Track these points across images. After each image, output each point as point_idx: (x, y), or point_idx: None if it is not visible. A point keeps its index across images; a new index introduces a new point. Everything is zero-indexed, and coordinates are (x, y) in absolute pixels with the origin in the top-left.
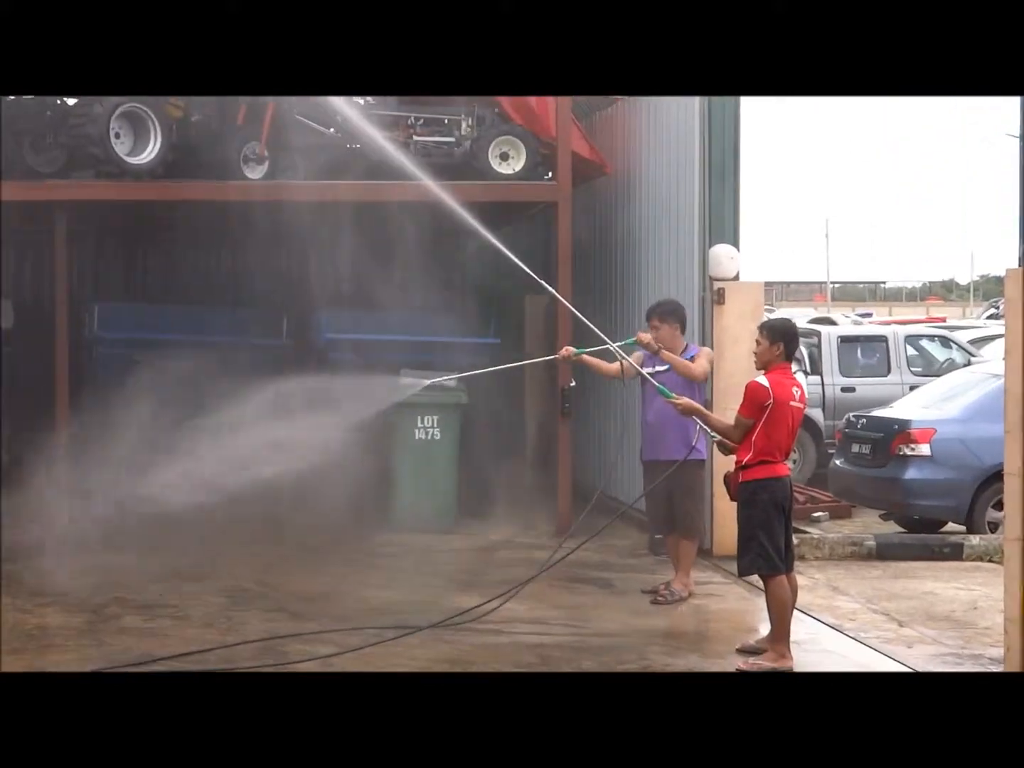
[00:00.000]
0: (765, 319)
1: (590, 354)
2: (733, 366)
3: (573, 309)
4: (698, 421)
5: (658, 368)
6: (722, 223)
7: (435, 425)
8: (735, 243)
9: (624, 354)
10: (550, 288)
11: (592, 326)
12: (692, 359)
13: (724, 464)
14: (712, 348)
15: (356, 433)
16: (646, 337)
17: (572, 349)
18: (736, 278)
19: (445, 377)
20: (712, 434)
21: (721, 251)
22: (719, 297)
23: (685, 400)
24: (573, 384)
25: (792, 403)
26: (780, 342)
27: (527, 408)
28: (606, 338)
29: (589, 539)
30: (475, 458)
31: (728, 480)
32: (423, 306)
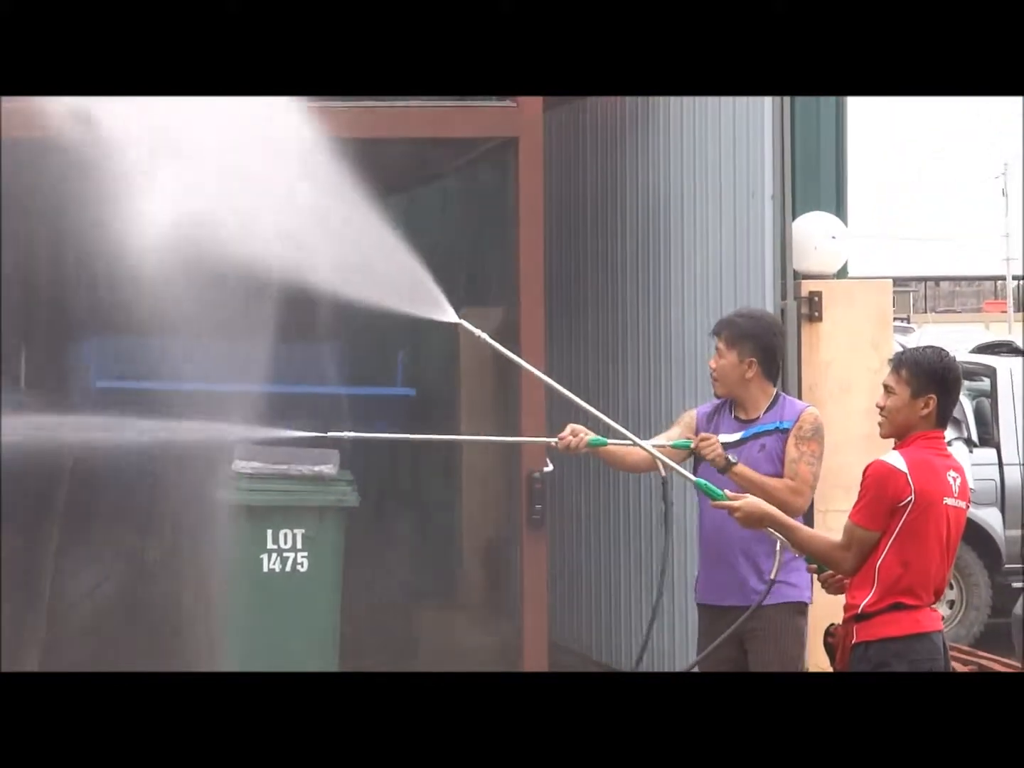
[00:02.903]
0: (898, 349)
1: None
2: (840, 433)
3: (545, 377)
4: (775, 534)
5: (723, 437)
6: (817, 178)
7: (299, 545)
8: (840, 214)
9: (661, 455)
10: (483, 336)
11: (596, 411)
12: (786, 437)
13: (825, 609)
14: (800, 398)
15: (150, 561)
16: (711, 448)
17: (585, 432)
18: (843, 273)
19: (337, 434)
20: (799, 556)
21: (814, 227)
22: (812, 308)
23: (750, 500)
24: (549, 469)
25: (948, 501)
26: (928, 392)
27: (464, 513)
28: (631, 436)
29: None
30: (369, 606)
31: (833, 640)
32: (274, 335)
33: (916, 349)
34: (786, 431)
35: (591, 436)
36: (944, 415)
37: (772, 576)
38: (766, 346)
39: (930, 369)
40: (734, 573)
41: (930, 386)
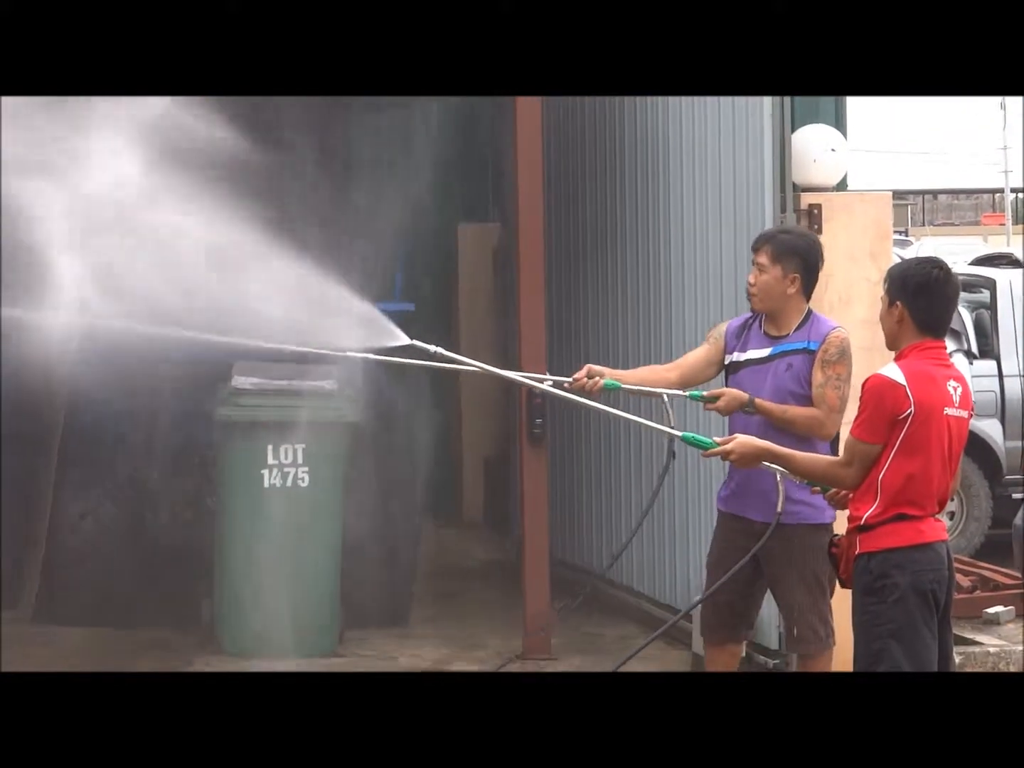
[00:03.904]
0: (895, 262)
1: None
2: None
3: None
4: (773, 467)
5: (751, 353)
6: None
7: (300, 461)
8: (840, 127)
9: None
10: (438, 350)
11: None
12: (813, 358)
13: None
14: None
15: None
16: (725, 406)
17: (595, 370)
18: (842, 186)
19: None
20: (802, 482)
21: (813, 140)
22: (811, 221)
23: (741, 441)
24: (547, 384)
25: (949, 411)
26: (899, 300)
27: (465, 430)
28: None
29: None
30: (372, 521)
31: (837, 551)
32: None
33: (906, 261)
34: (813, 352)
35: (606, 379)
36: (923, 322)
37: (779, 510)
38: (810, 263)
39: (898, 277)
40: (763, 489)
41: (897, 293)
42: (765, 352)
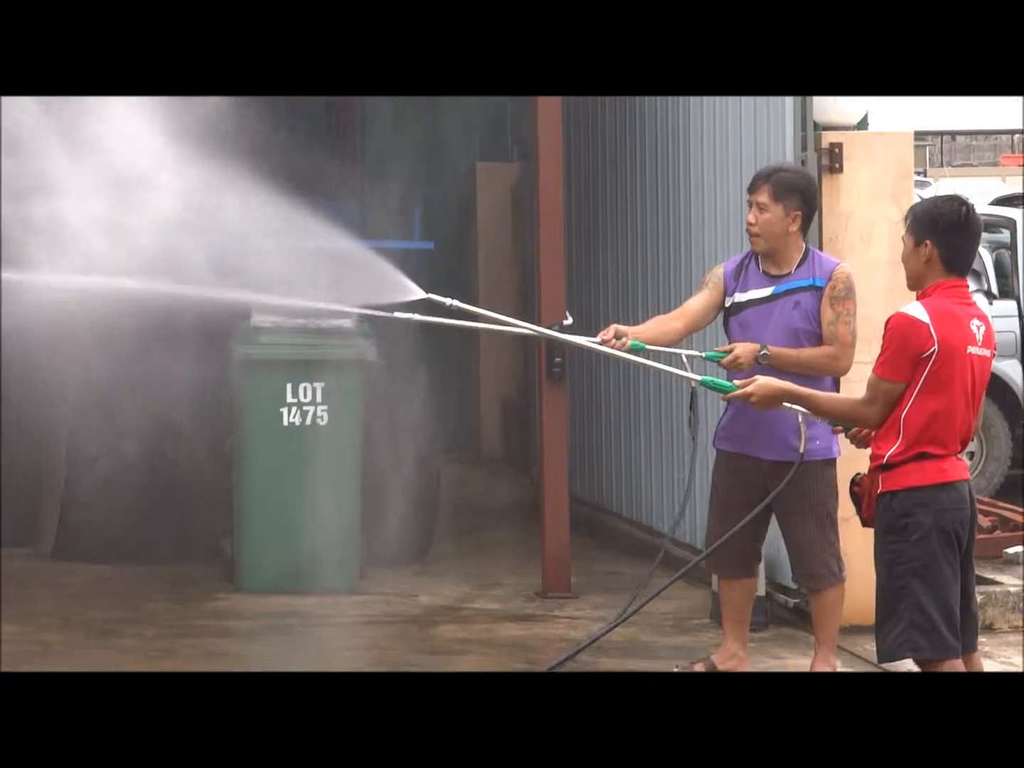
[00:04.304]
0: (916, 200)
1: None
2: (860, 285)
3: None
4: (795, 408)
5: (752, 293)
6: None
7: (319, 399)
8: None
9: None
10: (454, 304)
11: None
12: (821, 295)
13: (849, 460)
14: (821, 249)
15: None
16: (739, 362)
17: (621, 331)
18: (863, 125)
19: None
20: (823, 421)
21: None
22: (832, 160)
23: (760, 382)
24: (568, 322)
25: (972, 349)
26: (928, 239)
27: (483, 370)
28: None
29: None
30: (391, 460)
31: (859, 489)
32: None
33: (927, 200)
34: (820, 289)
35: (632, 340)
36: (951, 261)
37: (802, 451)
38: (810, 200)
39: (924, 216)
40: (774, 428)
41: (925, 232)
42: (767, 291)
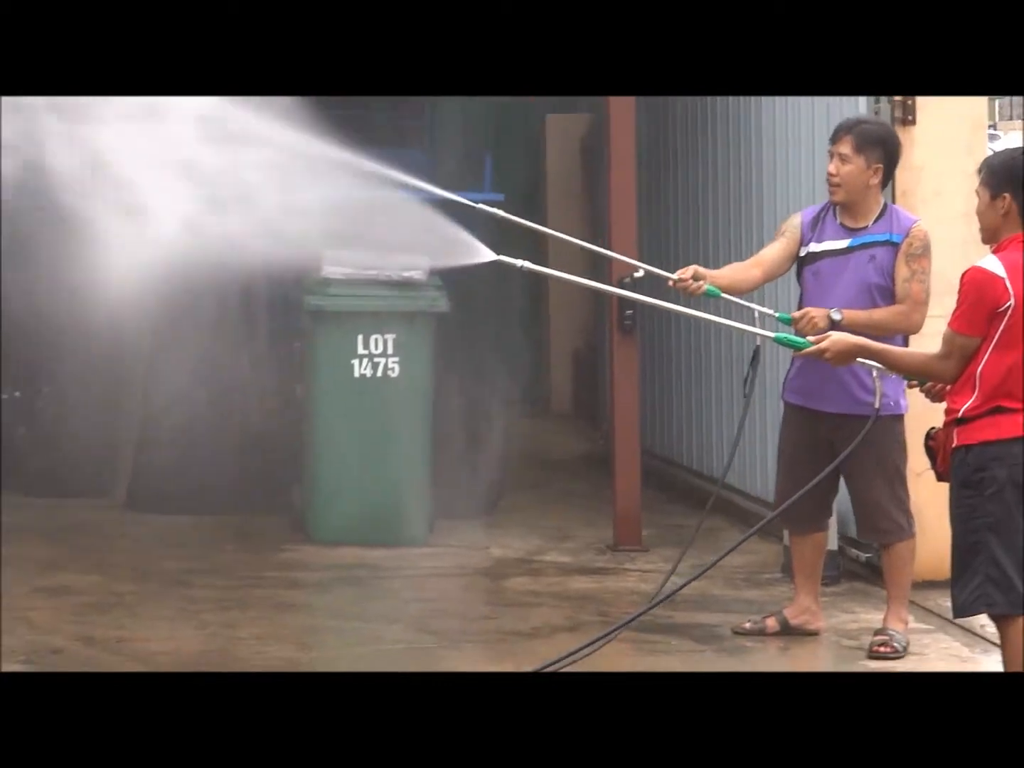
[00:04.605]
0: (988, 153)
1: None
2: (933, 238)
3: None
4: (869, 364)
5: (828, 244)
6: None
7: (390, 351)
8: None
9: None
10: (525, 265)
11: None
12: (897, 251)
13: (923, 414)
14: (894, 202)
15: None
16: (811, 324)
17: (700, 273)
18: None
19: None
20: (897, 376)
21: None
22: (905, 113)
23: (835, 338)
24: (639, 274)
25: None
26: (1008, 192)
27: (553, 323)
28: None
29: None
30: (461, 412)
31: (935, 444)
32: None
33: (1000, 152)
34: (896, 245)
35: (708, 286)
36: None
37: (877, 405)
38: (891, 153)
39: (1001, 168)
40: (839, 381)
41: (1003, 185)
42: (844, 243)
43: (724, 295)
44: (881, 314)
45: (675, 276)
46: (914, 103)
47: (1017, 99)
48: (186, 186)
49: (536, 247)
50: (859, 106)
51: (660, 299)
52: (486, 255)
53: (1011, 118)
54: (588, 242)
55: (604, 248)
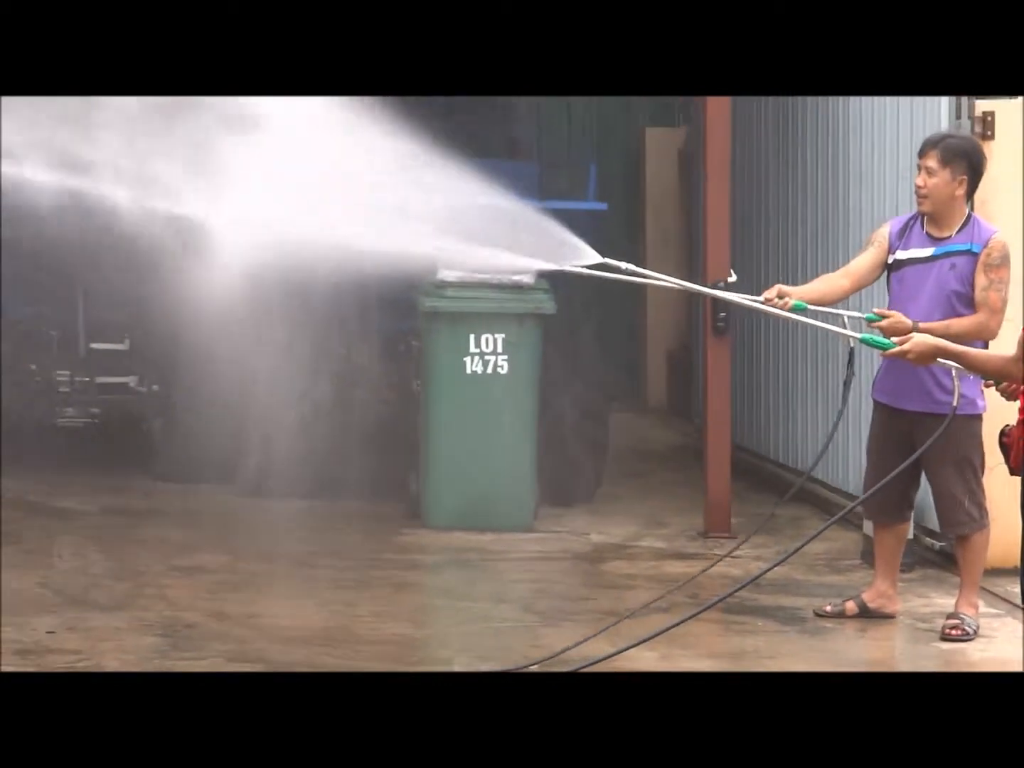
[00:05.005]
0: None
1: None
2: (1014, 252)
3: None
4: (949, 364)
5: (913, 252)
6: None
7: (500, 350)
8: None
9: (847, 329)
10: (628, 266)
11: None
12: (976, 261)
13: (999, 412)
14: (973, 210)
15: (363, 366)
16: (894, 327)
17: (784, 291)
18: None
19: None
20: (975, 377)
21: None
22: (984, 128)
23: (917, 340)
24: (733, 279)
25: None
26: None
27: (649, 324)
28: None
29: (793, 551)
30: (564, 407)
31: (1008, 440)
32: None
33: None
34: (976, 255)
35: (794, 300)
36: None
37: (955, 404)
38: (976, 166)
39: None
40: (919, 382)
41: None
42: (928, 252)
43: (812, 307)
44: (959, 325)
45: (761, 298)
46: (993, 118)
47: None
48: (317, 194)
49: (636, 253)
50: (942, 120)
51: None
52: (592, 256)
53: None
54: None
55: (698, 257)
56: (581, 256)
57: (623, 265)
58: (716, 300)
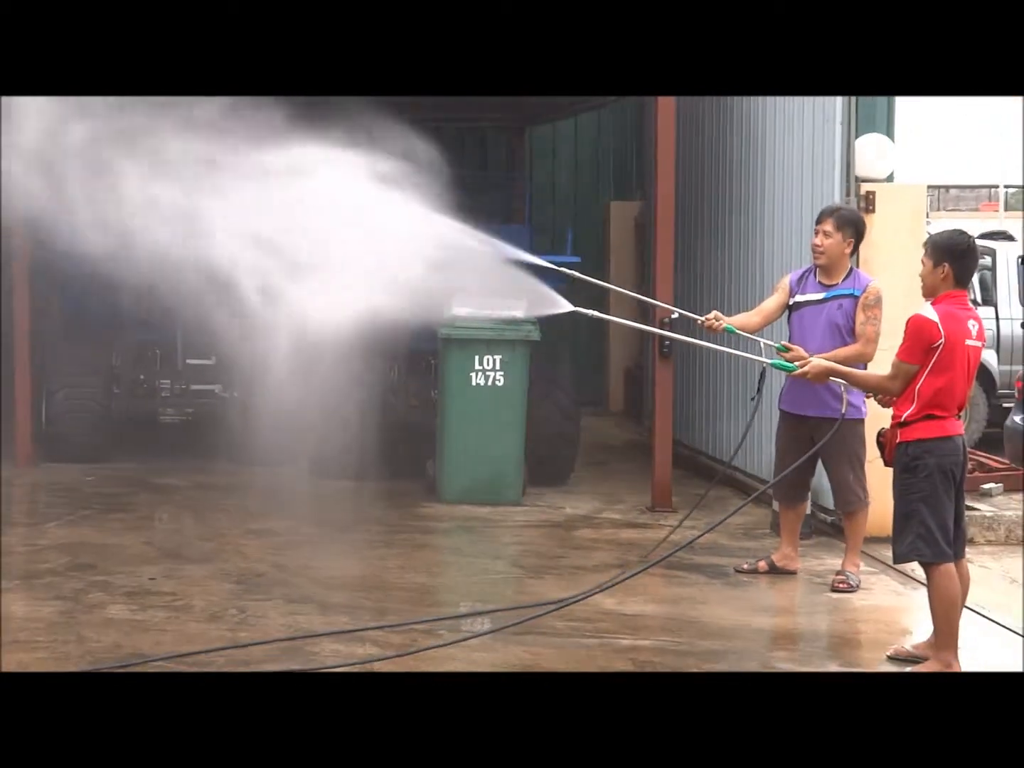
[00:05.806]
0: (926, 235)
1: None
2: (885, 294)
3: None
4: (838, 381)
5: (809, 295)
6: (872, 110)
7: (498, 367)
8: (890, 134)
9: (763, 352)
10: (594, 314)
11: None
12: (857, 302)
13: (876, 418)
14: (858, 267)
15: (389, 380)
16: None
17: (721, 317)
18: (890, 179)
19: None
20: (858, 391)
21: (871, 144)
22: (867, 204)
23: (813, 364)
24: (675, 316)
25: (969, 341)
26: (947, 262)
27: (611, 349)
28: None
29: (719, 523)
30: (546, 410)
31: (883, 440)
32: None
33: (940, 232)
34: (857, 297)
35: (726, 323)
36: (960, 277)
37: (843, 411)
38: (861, 231)
39: (943, 245)
40: (816, 394)
41: (943, 257)
42: (820, 296)
43: (737, 331)
44: (843, 353)
45: (702, 318)
46: (874, 196)
47: (942, 196)
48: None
49: (600, 300)
50: (835, 197)
51: (689, 335)
52: (566, 307)
53: (938, 209)
54: (639, 293)
55: (648, 296)
56: (558, 306)
57: (591, 313)
58: (661, 331)
